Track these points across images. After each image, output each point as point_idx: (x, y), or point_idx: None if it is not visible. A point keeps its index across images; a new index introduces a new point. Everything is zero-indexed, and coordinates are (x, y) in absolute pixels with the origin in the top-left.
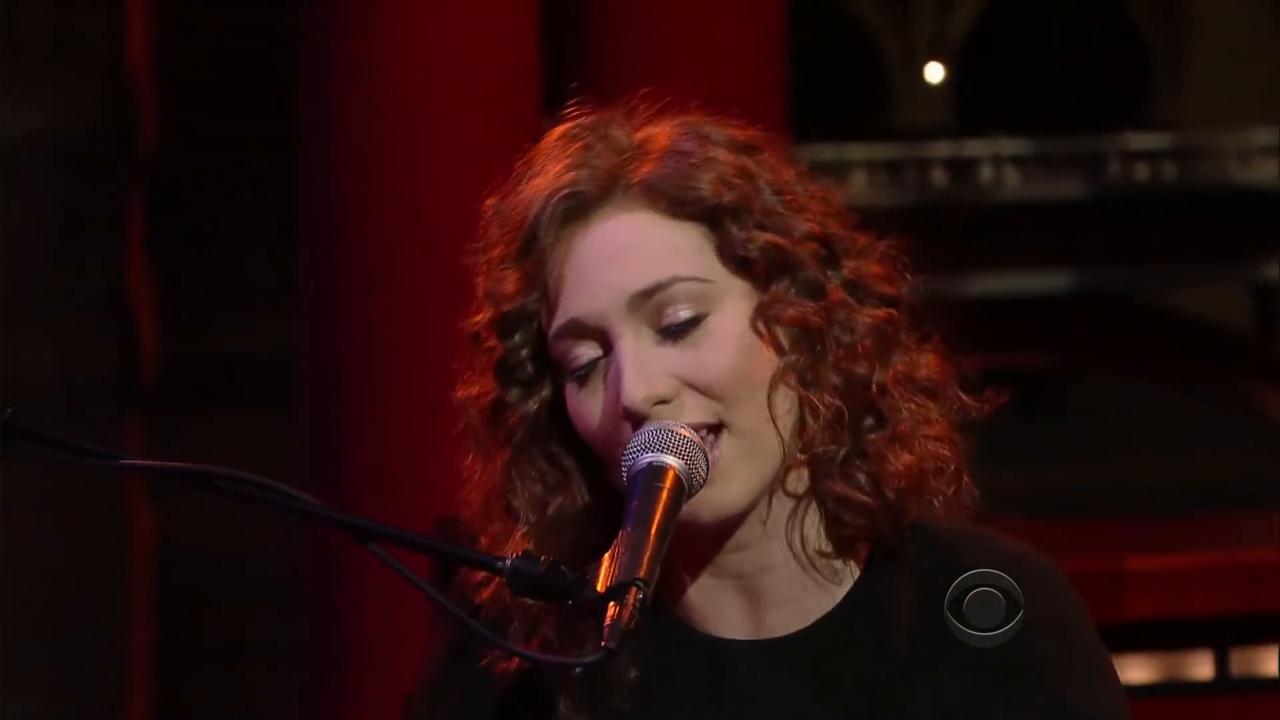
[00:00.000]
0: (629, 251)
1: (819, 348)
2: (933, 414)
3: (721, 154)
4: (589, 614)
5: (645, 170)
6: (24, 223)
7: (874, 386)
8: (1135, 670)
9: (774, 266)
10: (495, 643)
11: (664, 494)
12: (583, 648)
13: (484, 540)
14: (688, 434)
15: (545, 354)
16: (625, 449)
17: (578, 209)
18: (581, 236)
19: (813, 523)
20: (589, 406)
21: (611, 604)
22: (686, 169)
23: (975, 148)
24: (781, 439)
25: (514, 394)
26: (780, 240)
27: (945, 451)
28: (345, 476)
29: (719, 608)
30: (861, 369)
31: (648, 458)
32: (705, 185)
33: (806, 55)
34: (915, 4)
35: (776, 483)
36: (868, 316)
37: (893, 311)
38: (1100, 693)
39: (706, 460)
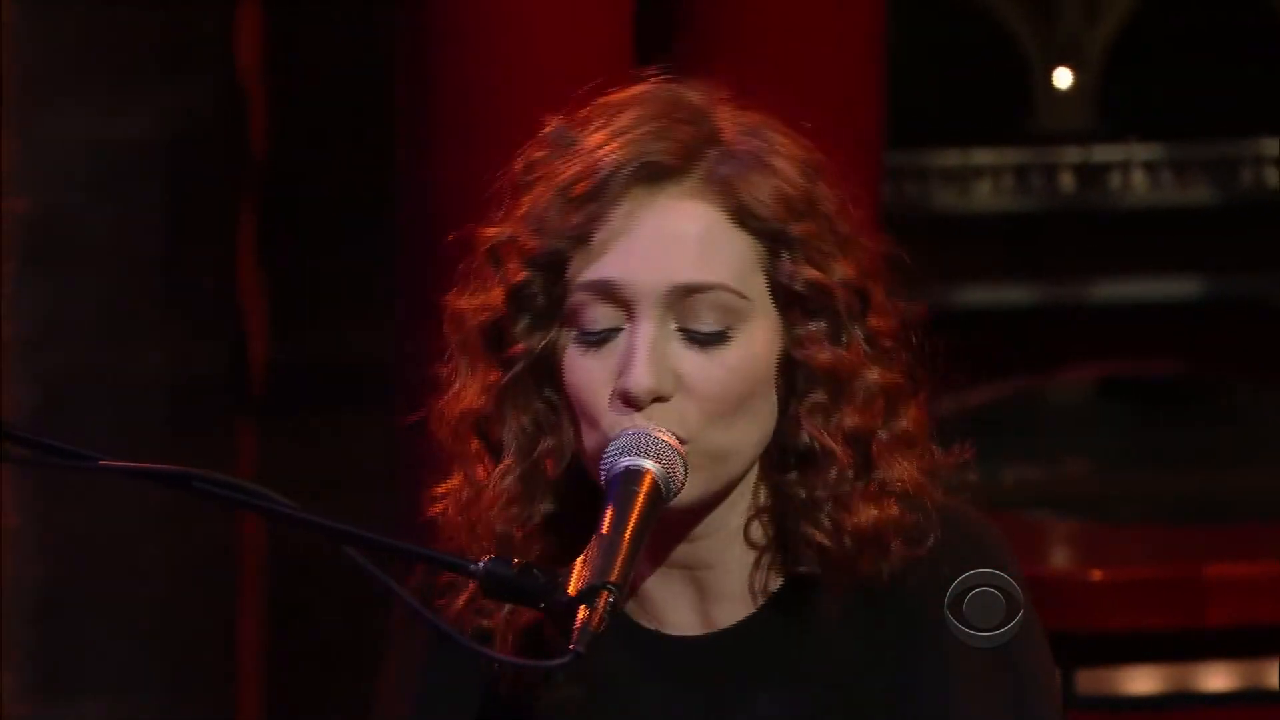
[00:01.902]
0: (688, 242)
1: (837, 395)
2: (908, 469)
3: (795, 175)
4: (560, 617)
5: (725, 169)
6: (135, 226)
7: (874, 446)
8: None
9: (811, 305)
10: (464, 644)
11: (640, 498)
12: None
13: (451, 463)
14: (668, 438)
15: (560, 299)
16: (604, 452)
17: (653, 177)
18: (647, 206)
19: (769, 531)
20: (587, 370)
21: (582, 607)
22: (762, 183)
23: (1106, 153)
24: (751, 461)
25: (522, 325)
26: (825, 281)
27: (906, 515)
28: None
29: (667, 599)
30: (867, 424)
31: (626, 461)
32: (776, 206)
33: (947, 60)
34: (1059, 9)
35: (739, 495)
36: (879, 374)
37: (903, 377)
38: (1034, 647)
39: (685, 465)
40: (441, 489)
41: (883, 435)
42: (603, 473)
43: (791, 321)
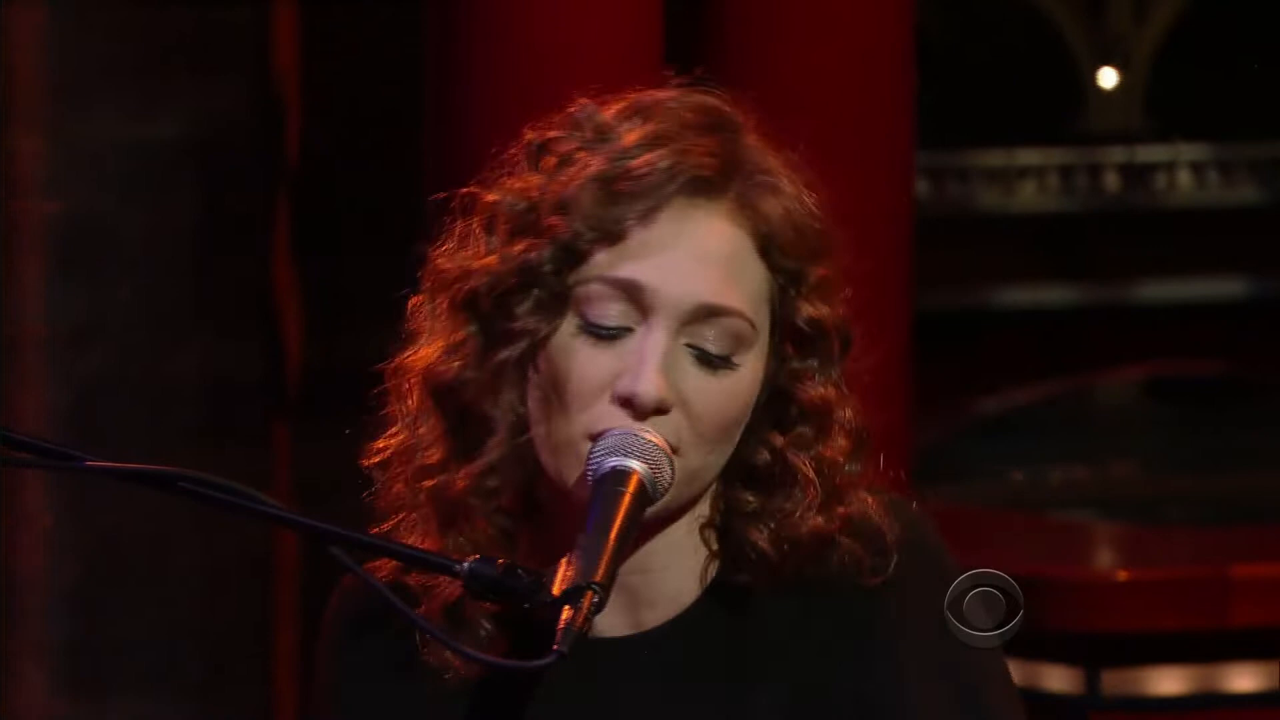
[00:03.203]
0: (718, 263)
1: (821, 430)
2: (868, 500)
3: (813, 214)
4: (544, 617)
5: (756, 195)
6: (168, 228)
7: (838, 479)
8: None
9: (808, 342)
10: (445, 643)
11: (626, 498)
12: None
13: (408, 404)
14: (657, 440)
15: (569, 284)
16: (591, 452)
17: (695, 191)
18: (687, 217)
19: (711, 542)
20: (589, 362)
21: (566, 607)
22: (788, 217)
23: (1151, 153)
24: (712, 483)
25: (528, 303)
26: (827, 321)
27: (852, 536)
28: None
29: None
30: (841, 458)
31: (612, 461)
32: (798, 244)
33: (992, 60)
34: (1106, 8)
35: (690, 504)
36: (852, 412)
37: (865, 420)
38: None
39: (672, 467)
40: (382, 442)
41: (850, 468)
42: (589, 472)
43: (786, 355)
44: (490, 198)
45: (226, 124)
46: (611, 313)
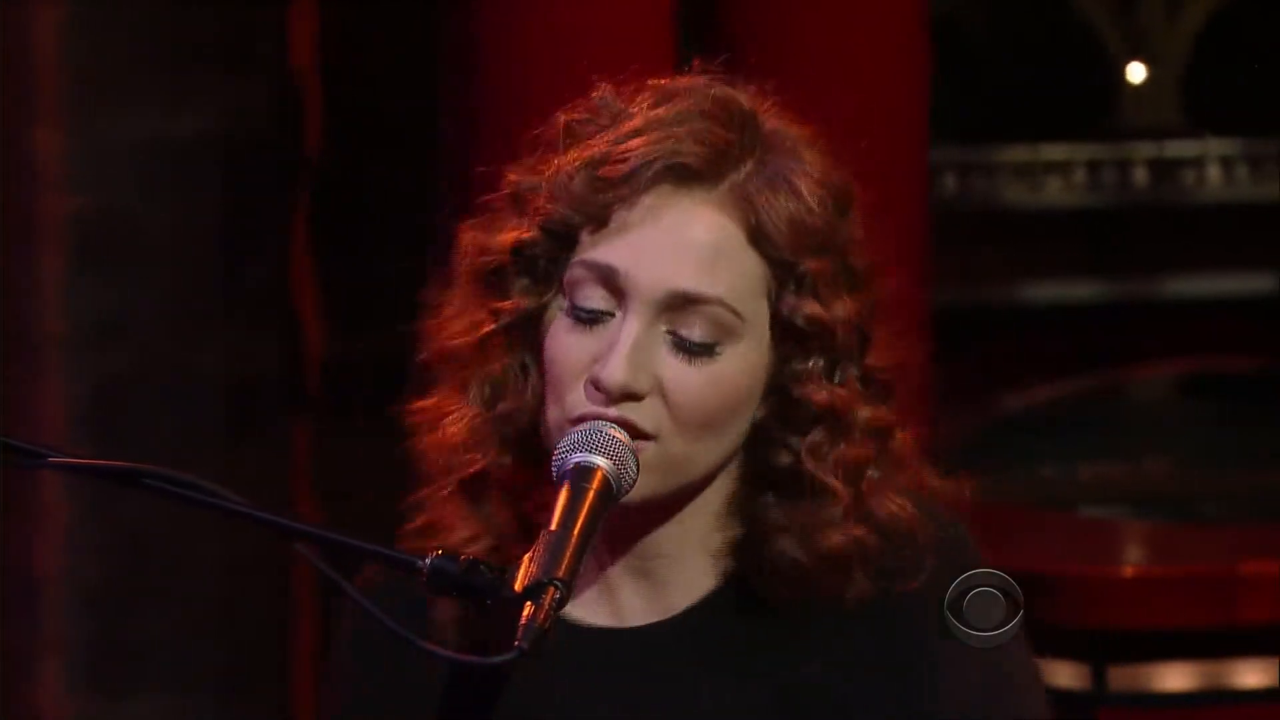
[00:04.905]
0: (697, 250)
1: (835, 433)
2: (901, 504)
3: (819, 205)
4: (506, 613)
5: (752, 185)
6: (190, 225)
7: (865, 484)
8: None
9: (811, 341)
10: (409, 640)
11: (590, 495)
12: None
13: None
14: (619, 435)
15: (563, 266)
16: (557, 447)
17: (681, 178)
18: (671, 205)
19: (732, 543)
20: (570, 346)
21: (528, 603)
22: (785, 207)
23: (1180, 148)
24: (711, 473)
25: (521, 282)
26: (827, 319)
27: (882, 546)
28: None
29: (616, 596)
30: (864, 461)
31: (576, 457)
32: (792, 236)
33: (1024, 55)
34: (1139, 4)
35: (705, 504)
36: (873, 412)
37: (895, 412)
38: (1014, 651)
39: (637, 463)
40: (419, 404)
41: (873, 473)
42: (554, 467)
43: (787, 354)
44: (511, 177)
45: (248, 121)
46: (593, 296)
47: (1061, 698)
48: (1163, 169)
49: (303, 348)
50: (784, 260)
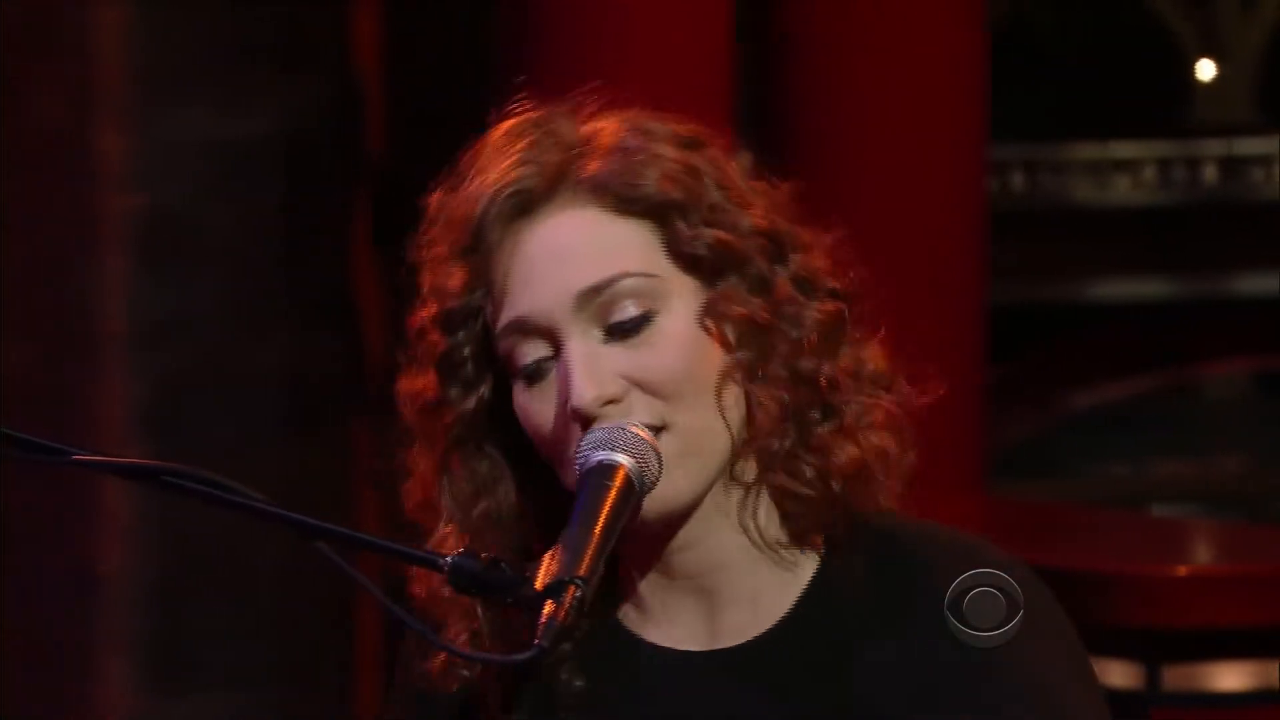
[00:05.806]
0: (575, 249)
1: (767, 343)
2: (879, 405)
3: (667, 150)
4: (527, 611)
5: (592, 167)
6: (251, 223)
7: (822, 381)
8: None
9: (722, 263)
10: (431, 640)
11: (612, 492)
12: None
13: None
14: (641, 432)
15: (488, 352)
16: (579, 447)
17: (524, 206)
18: (528, 234)
19: (766, 510)
20: (537, 407)
21: (549, 601)
22: (633, 165)
23: (1249, 145)
24: (730, 434)
25: (454, 392)
26: (727, 236)
27: (890, 443)
28: None
29: (672, 614)
30: (809, 363)
31: (599, 456)
32: (652, 182)
33: (1096, 54)
34: (1214, 1)
35: (724, 474)
36: (815, 311)
37: (840, 305)
38: (1082, 691)
39: (660, 459)
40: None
41: (827, 369)
42: (577, 467)
43: (708, 285)
44: (411, 320)
45: (309, 120)
46: (525, 352)
47: (1114, 697)
48: (1232, 166)
49: (363, 346)
50: (654, 205)
